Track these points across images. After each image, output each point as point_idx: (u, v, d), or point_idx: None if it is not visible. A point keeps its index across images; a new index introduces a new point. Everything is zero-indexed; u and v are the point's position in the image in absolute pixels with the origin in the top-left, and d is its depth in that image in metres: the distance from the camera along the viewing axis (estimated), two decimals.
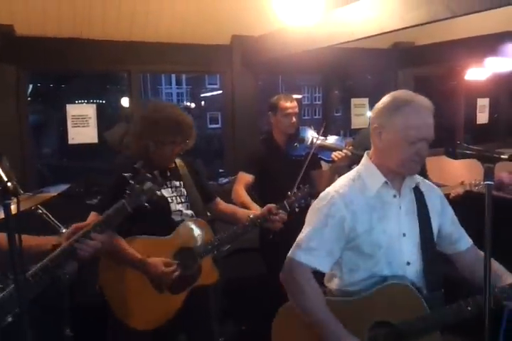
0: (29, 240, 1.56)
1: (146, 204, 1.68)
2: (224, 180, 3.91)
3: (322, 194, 1.75)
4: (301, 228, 3.02)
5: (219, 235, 2.32)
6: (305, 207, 2.59)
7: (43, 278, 1.52)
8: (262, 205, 2.77)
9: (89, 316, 2.75)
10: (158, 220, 2.22)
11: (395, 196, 1.71)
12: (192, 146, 2.31)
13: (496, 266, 1.71)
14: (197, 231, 2.30)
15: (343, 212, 1.66)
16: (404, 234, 1.71)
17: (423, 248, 1.72)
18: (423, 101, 1.65)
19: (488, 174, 1.32)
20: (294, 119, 3.12)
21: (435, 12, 2.32)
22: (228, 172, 4.11)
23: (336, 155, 2.87)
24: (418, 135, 1.61)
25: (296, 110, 3.13)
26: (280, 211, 2.32)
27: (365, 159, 1.79)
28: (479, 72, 4.97)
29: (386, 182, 1.70)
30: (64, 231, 2.44)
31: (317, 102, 23.55)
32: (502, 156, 1.32)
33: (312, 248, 1.68)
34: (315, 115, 22.47)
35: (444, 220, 1.80)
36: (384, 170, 1.70)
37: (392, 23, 2.59)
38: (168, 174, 2.33)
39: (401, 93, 1.70)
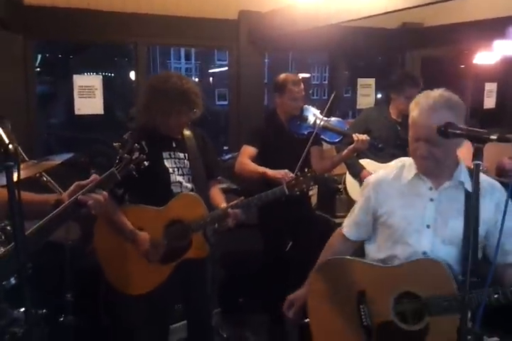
0: (31, 196, 1.59)
1: (135, 173, 1.72)
2: (227, 156, 3.96)
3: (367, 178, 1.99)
4: (301, 209, 3.16)
5: (211, 212, 2.33)
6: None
7: (47, 233, 1.53)
8: (262, 180, 2.84)
9: (90, 282, 2.84)
10: (157, 189, 2.27)
11: (430, 188, 1.78)
12: (199, 117, 2.31)
13: None
14: (191, 206, 2.31)
15: (370, 193, 1.90)
16: (428, 226, 1.76)
17: (465, 250, 1.69)
18: (429, 101, 1.67)
19: (478, 154, 1.34)
20: (301, 103, 3.12)
21: None
22: (232, 148, 4.15)
23: (358, 137, 2.92)
24: (414, 134, 1.71)
25: (303, 93, 3.12)
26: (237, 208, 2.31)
27: None
28: (488, 55, 4.91)
29: (418, 175, 1.79)
30: None
31: (326, 82, 23.30)
32: (491, 137, 1.34)
33: (349, 216, 2.03)
34: (324, 95, 22.26)
35: (493, 228, 1.71)
36: None
37: (398, 3, 2.59)
38: (174, 145, 2.34)
39: (422, 93, 1.75)
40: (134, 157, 1.69)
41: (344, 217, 2.08)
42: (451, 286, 1.63)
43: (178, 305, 2.73)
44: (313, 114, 3.16)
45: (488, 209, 1.70)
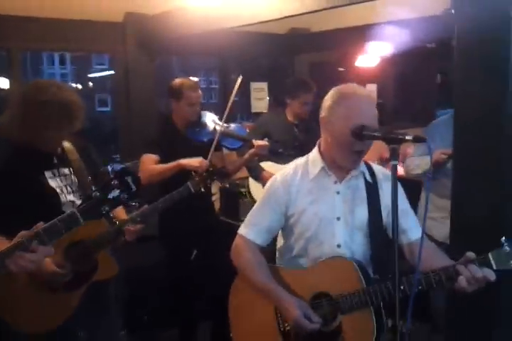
0: None
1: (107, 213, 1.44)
2: (119, 167, 3.71)
3: (271, 177, 1.92)
4: (204, 216, 3.07)
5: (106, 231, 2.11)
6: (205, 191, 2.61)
7: None
8: (161, 191, 2.69)
9: None
10: (47, 214, 2.01)
11: (335, 182, 1.81)
12: (79, 129, 2.04)
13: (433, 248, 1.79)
14: (89, 223, 2.09)
15: (281, 193, 1.84)
16: (338, 218, 1.80)
17: (371, 235, 1.79)
18: (365, 93, 1.74)
19: (394, 154, 1.39)
20: (198, 108, 3.05)
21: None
22: (124, 158, 3.93)
23: (258, 143, 2.96)
24: (354, 124, 1.66)
25: (200, 98, 3.05)
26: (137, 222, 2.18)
27: (315, 146, 1.89)
28: (368, 58, 5.23)
29: (324, 168, 1.80)
30: None
31: (213, 86, 23.39)
32: (407, 137, 1.39)
33: (253, 223, 1.89)
34: (211, 99, 22.31)
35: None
36: (328, 158, 1.81)
37: (291, 8, 2.61)
38: (55, 161, 2.08)
39: (345, 86, 1.77)
40: (110, 196, 1.43)
41: None
42: (360, 283, 1.68)
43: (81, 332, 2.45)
44: (211, 120, 3.10)
45: (387, 196, 1.76)
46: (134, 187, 1.47)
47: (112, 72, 4.73)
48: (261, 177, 3.48)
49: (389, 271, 1.70)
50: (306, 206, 1.81)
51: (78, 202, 2.07)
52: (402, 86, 6.58)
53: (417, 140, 1.41)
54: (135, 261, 3.21)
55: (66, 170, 2.11)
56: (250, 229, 1.88)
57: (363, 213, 1.79)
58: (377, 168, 1.90)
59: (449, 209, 2.14)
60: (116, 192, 1.44)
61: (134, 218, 2.15)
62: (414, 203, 2.13)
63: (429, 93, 6.77)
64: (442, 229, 2.63)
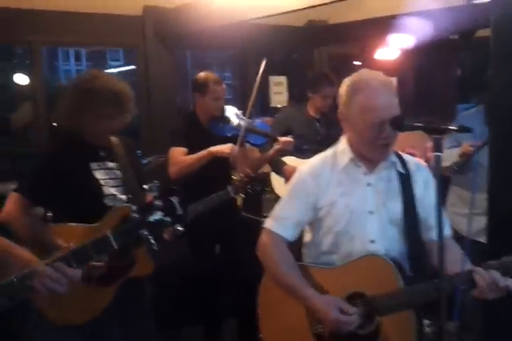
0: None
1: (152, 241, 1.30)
2: (143, 161, 3.71)
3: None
4: (228, 212, 3.04)
5: None
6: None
7: None
8: (187, 186, 2.66)
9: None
10: (89, 205, 2.01)
11: (365, 173, 1.73)
12: (129, 121, 2.06)
13: (456, 250, 1.67)
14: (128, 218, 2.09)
15: (310, 185, 1.75)
16: (371, 212, 1.71)
17: (407, 231, 1.69)
18: (380, 82, 1.63)
19: (438, 145, 1.33)
20: (223, 103, 3.00)
21: None
22: (146, 153, 3.90)
23: (285, 140, 2.89)
24: (376, 118, 1.59)
25: (225, 92, 3.01)
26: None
27: (343, 137, 1.81)
28: (388, 51, 5.14)
29: (353, 159, 1.73)
30: None
31: (226, 81, 23.31)
32: (451, 127, 1.33)
33: (281, 217, 1.79)
34: (225, 95, 22.26)
35: (422, 204, 1.72)
36: (356, 150, 1.74)
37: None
38: (102, 154, 2.09)
39: (357, 77, 1.68)
40: (151, 219, 1.28)
41: None
42: (397, 282, 1.59)
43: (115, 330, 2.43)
44: (235, 115, 3.05)
45: (419, 187, 1.74)
46: (180, 211, 1.31)
47: (128, 67, 4.68)
48: (283, 172, 3.43)
49: (426, 269, 1.66)
50: (337, 198, 1.71)
51: (120, 196, 2.09)
52: (422, 79, 6.45)
53: (462, 130, 1.35)
54: (159, 257, 3.19)
55: (111, 165, 2.11)
56: (278, 223, 1.78)
57: (397, 207, 1.69)
58: (408, 158, 1.80)
59: (477, 204, 2.07)
60: (158, 215, 1.29)
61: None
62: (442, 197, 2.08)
63: (449, 86, 6.65)
64: (472, 225, 2.56)
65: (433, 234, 1.66)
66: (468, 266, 1.51)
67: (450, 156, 2.71)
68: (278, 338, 1.80)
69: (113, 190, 2.08)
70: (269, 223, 1.81)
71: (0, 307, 1.19)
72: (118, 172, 2.12)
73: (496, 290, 1.43)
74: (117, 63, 21.69)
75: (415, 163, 1.79)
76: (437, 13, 4.06)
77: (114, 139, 2.16)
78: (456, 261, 1.52)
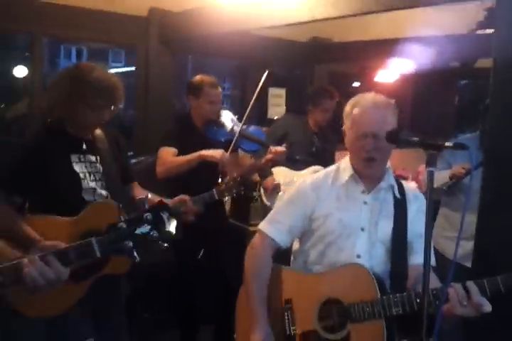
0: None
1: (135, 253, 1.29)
2: (133, 161, 3.67)
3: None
4: (215, 217, 3.01)
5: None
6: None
7: None
8: (176, 191, 2.62)
9: None
10: (66, 197, 1.97)
11: (363, 192, 1.79)
12: (116, 112, 2.07)
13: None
14: (108, 215, 1.98)
15: (309, 196, 1.82)
16: (362, 229, 1.76)
17: (393, 251, 1.73)
18: (372, 100, 1.74)
19: (433, 161, 1.33)
20: (218, 107, 3.00)
21: (367, 4, 2.33)
22: (138, 153, 3.86)
23: (277, 150, 2.90)
24: (358, 130, 1.71)
25: (221, 96, 3.00)
26: (193, 203, 2.18)
27: (340, 153, 1.90)
28: (388, 74, 5.19)
29: (353, 176, 1.79)
30: None
31: (226, 92, 23.39)
32: (446, 144, 1.33)
33: (276, 220, 1.85)
34: (223, 104, 22.37)
35: (411, 229, 1.77)
36: (354, 166, 1.82)
37: (323, 11, 2.56)
38: (84, 147, 2.07)
39: (358, 96, 1.80)
40: (138, 232, 1.26)
41: (258, 225, 1.94)
42: (374, 292, 1.61)
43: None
44: (231, 120, 3.04)
45: (411, 214, 1.79)
46: (168, 227, 1.30)
47: (129, 68, 4.67)
48: (264, 183, 3.42)
49: (405, 290, 1.66)
50: (333, 211, 1.78)
51: (99, 190, 2.06)
52: (420, 105, 6.51)
53: (457, 147, 1.34)
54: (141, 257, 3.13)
55: (93, 158, 2.09)
56: (272, 226, 1.84)
57: (387, 227, 1.77)
58: (408, 186, 1.89)
59: (466, 228, 2.06)
60: (146, 228, 1.27)
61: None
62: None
63: (445, 115, 6.70)
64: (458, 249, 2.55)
65: (412, 259, 1.74)
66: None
67: (440, 178, 2.72)
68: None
69: (93, 184, 2.04)
70: (263, 225, 1.87)
71: None
72: (99, 166, 2.09)
73: (468, 306, 1.43)
74: (118, 64, 21.71)
75: (414, 192, 1.87)
76: (439, 41, 4.12)
77: (98, 132, 2.13)
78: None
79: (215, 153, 2.72)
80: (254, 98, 2.92)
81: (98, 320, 2.10)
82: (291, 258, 1.96)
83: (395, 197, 1.80)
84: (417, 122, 6.39)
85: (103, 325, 2.12)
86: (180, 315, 3.10)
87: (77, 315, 1.99)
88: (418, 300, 1.53)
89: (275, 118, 4.75)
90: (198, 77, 3.01)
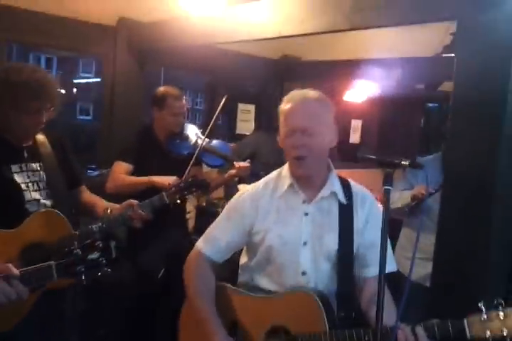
0: None
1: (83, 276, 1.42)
2: (94, 173, 3.57)
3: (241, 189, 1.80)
4: (177, 233, 2.93)
5: (78, 230, 2.00)
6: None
7: None
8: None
9: None
10: (8, 211, 1.86)
11: (304, 202, 1.67)
12: (52, 114, 1.94)
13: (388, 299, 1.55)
14: (51, 225, 1.94)
15: (247, 209, 1.70)
16: (305, 243, 1.65)
17: (339, 267, 1.63)
18: (299, 96, 1.66)
19: (388, 179, 1.31)
20: (181, 119, 2.94)
21: (334, 22, 2.34)
22: (101, 165, 3.76)
23: (240, 165, 2.85)
24: (288, 127, 1.62)
25: (185, 109, 2.96)
26: (140, 209, 2.10)
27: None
28: (356, 94, 5.27)
29: (292, 185, 1.67)
30: None
31: (198, 107, 23.38)
32: (403, 162, 1.32)
33: (213, 237, 1.76)
34: (196, 119, 22.27)
35: (361, 239, 1.67)
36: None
37: (290, 28, 2.56)
38: (25, 155, 1.96)
39: (290, 93, 1.72)
40: (89, 257, 1.42)
41: None
42: (322, 322, 1.53)
43: None
44: (194, 133, 3.00)
45: (360, 221, 1.67)
46: (114, 255, 1.44)
47: (98, 79, 4.59)
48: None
49: (353, 308, 1.61)
50: (271, 225, 1.67)
51: (44, 200, 1.97)
52: (386, 125, 6.64)
53: (413, 165, 1.34)
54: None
55: (35, 166, 1.99)
56: (208, 244, 1.76)
57: (332, 241, 1.64)
58: (357, 188, 1.74)
59: (427, 249, 2.06)
60: (96, 255, 1.42)
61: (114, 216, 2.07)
62: (393, 241, 2.05)
63: (411, 136, 6.85)
64: (418, 270, 2.54)
65: (367, 272, 1.64)
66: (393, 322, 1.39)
67: (402, 198, 2.72)
68: None
69: (36, 195, 1.95)
70: (199, 242, 1.79)
71: None
72: (42, 174, 1.99)
73: None
74: (88, 74, 21.46)
75: (362, 195, 1.72)
76: (403, 63, 4.19)
77: (40, 136, 2.03)
78: (386, 309, 1.39)
79: (165, 180, 2.56)
80: (214, 118, 2.92)
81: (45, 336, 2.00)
82: (239, 271, 1.85)
83: (340, 204, 1.67)
84: (384, 142, 6.49)
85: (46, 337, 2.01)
86: (138, 333, 3.00)
87: (23, 331, 1.89)
88: (367, 338, 1.45)
89: (245, 133, 4.73)
90: (162, 89, 2.97)
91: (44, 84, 1.85)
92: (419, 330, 1.37)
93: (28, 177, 1.95)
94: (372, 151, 1.51)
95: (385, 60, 4.21)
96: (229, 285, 1.76)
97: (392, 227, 2.02)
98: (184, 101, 2.97)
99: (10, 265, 1.39)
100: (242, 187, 3.41)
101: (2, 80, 1.84)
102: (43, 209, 1.95)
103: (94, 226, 2.01)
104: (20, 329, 1.87)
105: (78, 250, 1.41)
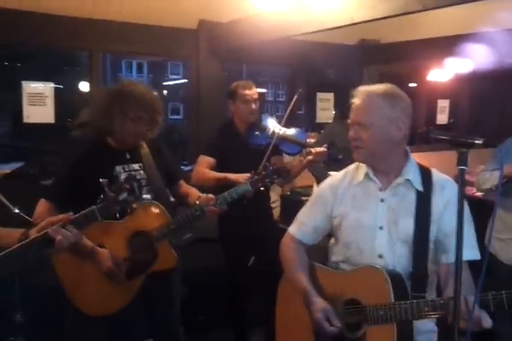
0: None
1: (118, 214, 1.63)
2: (187, 168, 3.83)
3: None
4: (263, 222, 3.06)
5: (175, 218, 2.24)
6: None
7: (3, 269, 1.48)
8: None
9: (44, 301, 2.61)
10: None
11: (380, 189, 1.76)
12: (158, 125, 2.22)
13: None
14: (152, 215, 2.20)
15: (327, 195, 1.85)
16: (381, 227, 1.73)
17: (415, 250, 1.68)
18: (366, 89, 1.76)
19: (462, 159, 1.31)
20: (253, 106, 3.03)
21: (406, 4, 2.33)
22: (192, 161, 4.01)
23: (317, 150, 2.91)
24: (351, 120, 1.78)
25: (256, 96, 3.05)
26: (218, 203, 2.27)
27: None
28: (441, 73, 5.06)
29: (367, 174, 1.78)
30: (17, 211, 2.30)
31: (280, 99, 23.49)
32: (476, 141, 1.31)
33: (301, 222, 1.92)
34: (277, 112, 22.47)
35: (440, 225, 1.69)
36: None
37: (362, 14, 2.58)
38: (128, 157, 2.23)
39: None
40: (120, 198, 1.59)
41: None
42: (388, 296, 1.60)
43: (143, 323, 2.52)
44: (272, 124, 3.09)
45: (438, 208, 1.69)
46: (137, 192, 1.65)
47: (185, 80, 4.87)
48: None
49: (425, 289, 1.65)
50: (349, 210, 1.78)
51: (144, 195, 2.20)
52: (478, 104, 6.28)
53: (487, 145, 1.32)
54: (195, 261, 3.24)
55: (136, 166, 2.25)
56: (297, 228, 1.92)
57: (408, 225, 1.69)
58: (438, 176, 1.76)
59: None
60: (124, 195, 1.60)
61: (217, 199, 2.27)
62: (481, 223, 1.97)
63: (506, 115, 6.41)
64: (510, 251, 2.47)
65: (446, 258, 1.66)
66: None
67: (492, 179, 2.63)
68: (287, 329, 1.90)
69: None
70: (291, 227, 1.95)
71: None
72: (142, 172, 2.24)
73: (469, 319, 1.37)
74: (176, 76, 22.39)
75: (442, 183, 1.73)
76: (499, 36, 3.92)
77: (141, 143, 2.29)
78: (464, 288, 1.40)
79: (240, 178, 2.65)
80: (289, 108, 3.03)
81: (154, 320, 2.24)
82: (328, 252, 1.97)
83: (417, 191, 1.70)
84: (475, 121, 6.16)
85: (157, 322, 2.26)
86: (232, 319, 3.18)
87: (135, 315, 2.15)
88: (426, 309, 1.51)
89: (325, 122, 4.76)
90: (234, 83, 3.12)
91: (151, 98, 2.15)
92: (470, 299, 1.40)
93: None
94: (463, 132, 1.51)
95: (474, 36, 3.98)
96: (316, 263, 1.89)
97: (481, 209, 2.00)
98: (254, 89, 3.07)
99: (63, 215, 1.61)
100: (332, 173, 3.48)
101: (117, 91, 2.15)
102: (145, 202, 2.19)
103: (180, 216, 2.25)
104: (127, 311, 2.12)
105: (111, 193, 1.59)
